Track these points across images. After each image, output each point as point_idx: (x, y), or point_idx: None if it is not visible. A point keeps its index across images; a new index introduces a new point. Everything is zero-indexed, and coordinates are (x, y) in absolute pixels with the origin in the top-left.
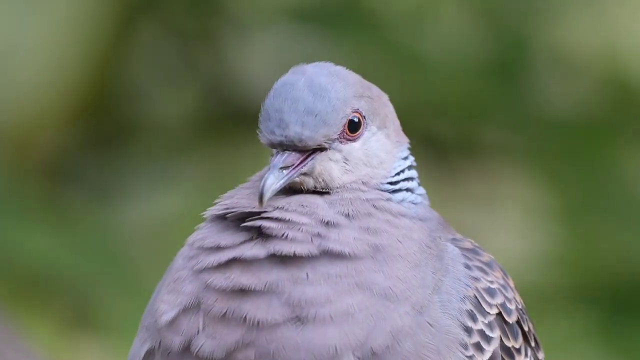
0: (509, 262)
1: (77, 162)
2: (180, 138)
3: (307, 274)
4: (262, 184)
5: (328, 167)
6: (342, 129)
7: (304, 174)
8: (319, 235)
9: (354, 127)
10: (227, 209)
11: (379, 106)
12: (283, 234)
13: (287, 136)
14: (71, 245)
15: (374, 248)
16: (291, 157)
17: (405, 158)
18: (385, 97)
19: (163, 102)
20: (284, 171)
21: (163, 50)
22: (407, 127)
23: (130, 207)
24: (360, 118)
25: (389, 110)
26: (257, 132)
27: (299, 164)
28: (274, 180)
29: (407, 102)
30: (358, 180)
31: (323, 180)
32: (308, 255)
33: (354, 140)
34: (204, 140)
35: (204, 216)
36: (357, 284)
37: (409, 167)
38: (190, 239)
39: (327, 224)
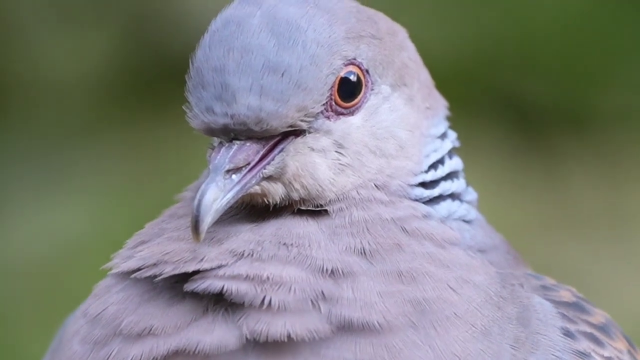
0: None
1: None
2: (83, 110)
3: None
4: (196, 201)
5: (309, 161)
6: (328, 95)
7: (268, 177)
8: (322, 296)
9: (349, 90)
10: (149, 263)
11: (391, 51)
12: (263, 301)
13: (236, 115)
14: None
15: (415, 307)
16: (244, 151)
17: (443, 136)
18: (402, 35)
19: (57, 51)
20: (232, 176)
21: None
22: (475, 87)
23: (2, 226)
24: (360, 74)
25: (410, 55)
26: (185, 109)
27: (258, 162)
28: (216, 194)
29: (477, 50)
30: (367, 183)
31: (303, 186)
32: (311, 337)
33: (350, 112)
34: (121, 113)
35: (110, 268)
36: None
37: (450, 154)
38: (89, 307)
39: (333, 273)
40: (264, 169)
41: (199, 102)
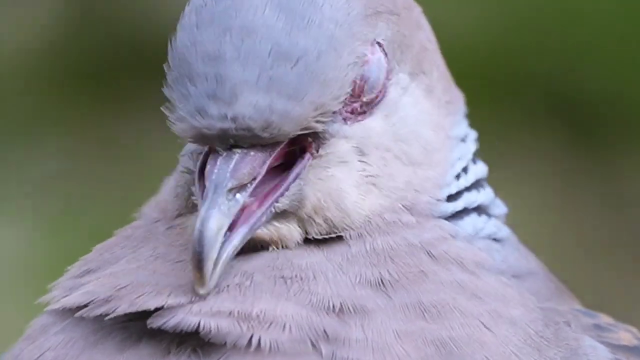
0: None
1: None
2: (12, 108)
3: None
4: (196, 232)
5: (333, 188)
6: (349, 89)
7: (281, 213)
8: (324, 336)
9: (370, 81)
10: (99, 298)
11: (410, 31)
12: (250, 341)
13: (238, 117)
14: None
15: (439, 350)
16: (248, 162)
17: (465, 138)
18: (417, 10)
19: None
20: (237, 195)
21: None
22: (511, 78)
23: None
24: (383, 59)
25: (428, 36)
26: (165, 109)
27: (268, 194)
28: (220, 221)
29: (514, 32)
30: (394, 204)
31: (326, 220)
32: None
33: (369, 110)
34: (63, 111)
35: (48, 302)
36: None
37: (474, 158)
38: (21, 354)
39: (341, 310)
40: (276, 202)
41: (186, 100)
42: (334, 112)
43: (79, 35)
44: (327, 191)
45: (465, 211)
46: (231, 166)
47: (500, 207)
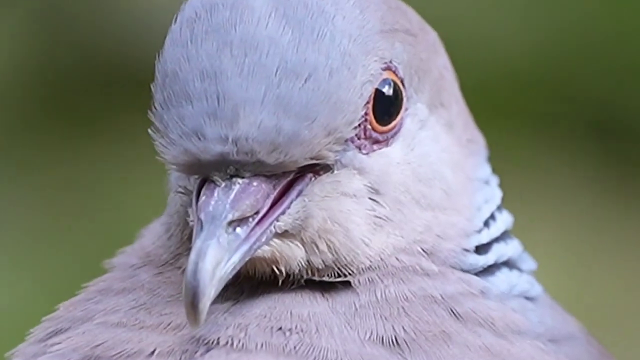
0: None
1: None
2: None
3: None
4: (191, 265)
5: (342, 210)
6: (363, 113)
7: (282, 233)
8: None
9: (385, 107)
10: None
11: (427, 54)
12: None
13: (241, 139)
14: None
15: None
16: (251, 193)
17: (488, 181)
18: (433, 34)
19: None
20: (237, 229)
21: None
22: (550, 101)
23: None
24: (398, 84)
25: (446, 64)
26: (153, 134)
27: (269, 211)
28: (219, 255)
29: (553, 49)
30: (411, 246)
31: (331, 248)
32: None
33: (385, 140)
34: (29, 137)
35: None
36: None
37: (499, 207)
38: None
39: None
40: (277, 220)
41: (180, 121)
42: (347, 140)
43: (45, 65)
44: (334, 212)
45: (495, 265)
46: (231, 196)
47: (529, 262)
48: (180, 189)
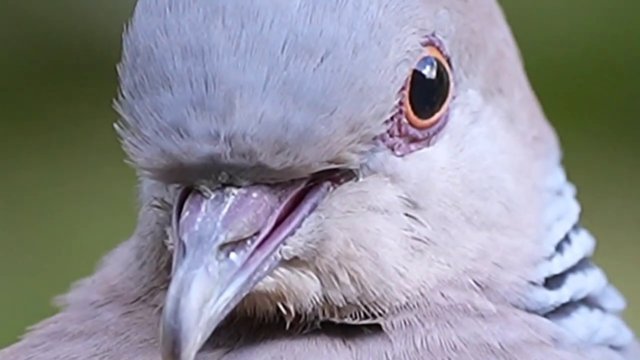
0: None
1: None
2: None
3: None
4: (170, 303)
5: (370, 230)
6: (397, 102)
7: (290, 261)
8: None
9: (425, 95)
10: None
11: (481, 25)
12: None
13: (236, 136)
14: None
15: None
16: (250, 207)
17: (561, 192)
18: (488, 5)
19: None
20: (231, 255)
21: None
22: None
23: None
24: (442, 63)
25: (503, 37)
26: (120, 127)
27: (276, 228)
28: (207, 289)
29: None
30: (460, 278)
31: (356, 280)
32: None
33: (425, 139)
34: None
35: None
36: None
37: (576, 226)
38: None
39: None
40: (284, 243)
41: (156, 113)
42: (376, 138)
43: (17, 41)
44: (360, 231)
45: (571, 304)
46: (223, 212)
47: (615, 299)
48: (155, 202)
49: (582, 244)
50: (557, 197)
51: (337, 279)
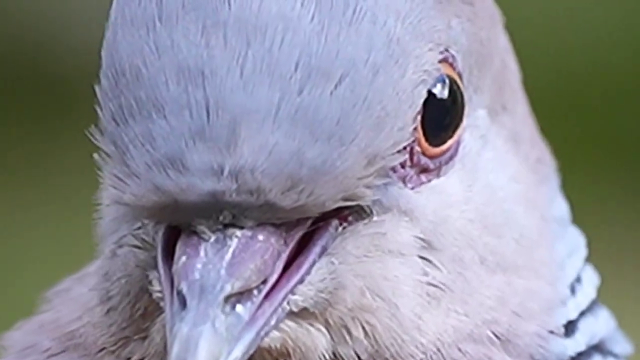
0: None
1: None
2: None
3: None
4: None
5: (388, 277)
6: (413, 129)
7: (299, 313)
8: None
9: (438, 119)
10: None
11: (487, 33)
12: None
13: (242, 172)
14: None
15: None
16: (257, 252)
17: (564, 221)
18: (489, 1)
19: None
20: (238, 307)
21: None
22: None
23: None
24: (455, 81)
25: (505, 45)
26: (102, 159)
27: (283, 275)
28: (217, 348)
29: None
30: (479, 329)
31: (371, 333)
32: None
33: (437, 168)
34: None
35: None
36: None
37: (584, 261)
38: None
39: None
40: (293, 292)
41: (148, 144)
42: (390, 170)
43: None
44: (377, 279)
45: (586, 352)
46: (227, 257)
47: (623, 343)
48: (133, 242)
49: (591, 281)
50: (564, 229)
51: (349, 333)
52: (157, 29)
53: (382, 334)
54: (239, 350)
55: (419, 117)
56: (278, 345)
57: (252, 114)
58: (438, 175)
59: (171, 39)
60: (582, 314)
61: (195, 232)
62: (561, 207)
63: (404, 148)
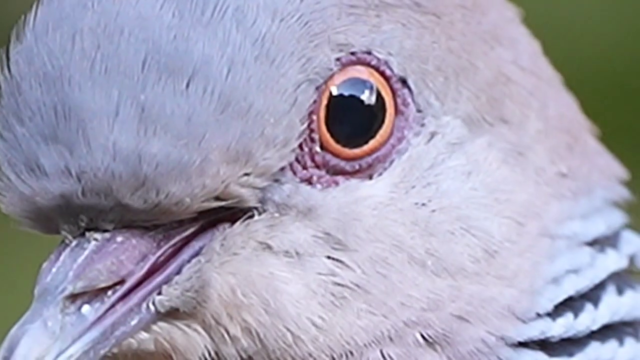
0: None
1: None
2: None
3: None
4: None
5: (259, 274)
6: (304, 128)
7: (170, 313)
8: None
9: (354, 121)
10: None
11: (467, 45)
12: None
13: (87, 171)
14: None
15: None
16: (110, 254)
17: (591, 242)
18: (500, 13)
19: None
20: (83, 308)
21: None
22: None
23: None
24: (382, 86)
25: (520, 60)
26: None
27: (150, 276)
28: (43, 347)
29: None
30: (403, 330)
31: (248, 330)
32: None
33: (360, 170)
34: None
35: None
36: None
37: (622, 284)
38: None
39: None
40: (159, 292)
41: (12, 150)
42: (281, 170)
43: None
44: (249, 275)
45: None
46: (79, 260)
47: None
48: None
49: (616, 306)
50: (580, 248)
51: (227, 332)
52: (30, 42)
53: (260, 331)
54: (77, 347)
55: (316, 117)
56: (152, 347)
57: (97, 114)
58: (370, 178)
59: (38, 50)
60: (591, 337)
61: (65, 240)
62: (587, 227)
63: (300, 148)
